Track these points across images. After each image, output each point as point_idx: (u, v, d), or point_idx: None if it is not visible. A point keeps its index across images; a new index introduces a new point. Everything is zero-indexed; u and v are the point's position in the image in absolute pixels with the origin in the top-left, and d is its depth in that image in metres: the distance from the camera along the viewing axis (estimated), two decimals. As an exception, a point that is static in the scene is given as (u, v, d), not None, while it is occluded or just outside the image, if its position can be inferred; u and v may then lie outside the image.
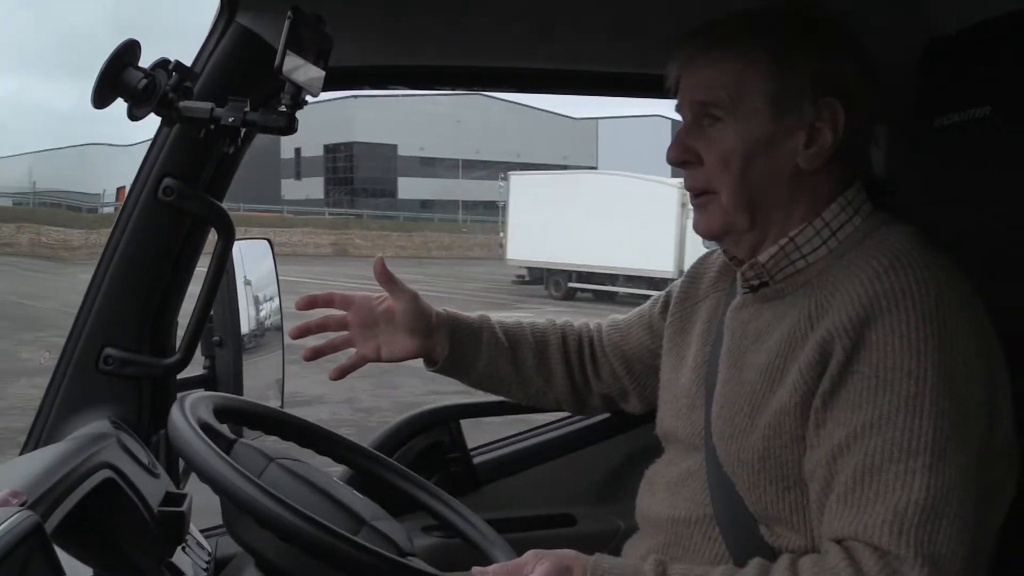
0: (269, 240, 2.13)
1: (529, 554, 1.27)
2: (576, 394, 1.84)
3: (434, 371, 1.77)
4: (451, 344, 1.73)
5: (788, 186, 1.34)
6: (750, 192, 1.34)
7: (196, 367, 1.78)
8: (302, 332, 1.70)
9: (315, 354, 1.70)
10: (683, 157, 1.38)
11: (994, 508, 1.23)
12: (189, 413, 1.27)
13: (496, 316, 1.83)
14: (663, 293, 1.75)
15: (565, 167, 41.17)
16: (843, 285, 1.25)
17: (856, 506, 1.17)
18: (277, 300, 2.09)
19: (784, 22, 1.33)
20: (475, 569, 1.28)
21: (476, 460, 2.17)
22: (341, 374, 1.70)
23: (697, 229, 1.41)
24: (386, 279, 1.70)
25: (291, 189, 54.32)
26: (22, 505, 1.02)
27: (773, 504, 1.30)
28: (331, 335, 1.72)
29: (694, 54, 1.37)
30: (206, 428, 1.32)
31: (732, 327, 1.43)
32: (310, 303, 1.69)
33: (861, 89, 1.32)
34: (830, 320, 1.23)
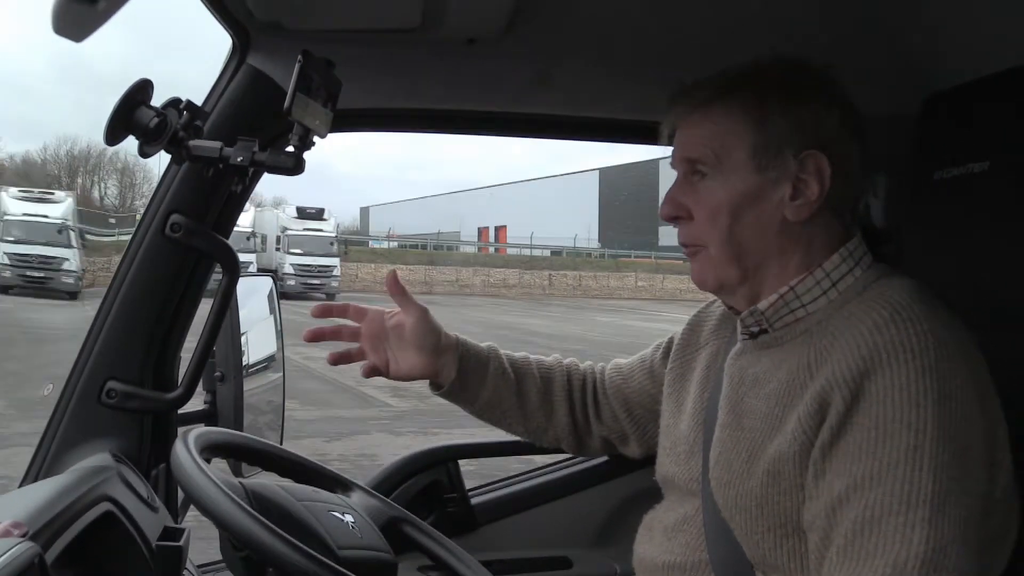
0: (273, 277, 2.15)
1: None
2: (576, 434, 1.85)
3: (439, 395, 1.79)
4: (458, 369, 1.75)
5: (778, 238, 1.36)
6: (738, 245, 1.36)
7: (197, 402, 1.78)
8: (315, 336, 1.73)
9: (336, 360, 1.76)
10: (674, 213, 1.41)
11: (993, 559, 1.23)
12: (193, 448, 1.27)
13: (504, 350, 1.85)
14: (665, 339, 1.75)
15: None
16: (843, 336, 1.26)
17: (856, 559, 1.16)
18: (278, 337, 2.11)
19: (760, 77, 1.35)
20: None
21: (474, 500, 2.17)
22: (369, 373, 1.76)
23: (694, 280, 1.44)
24: (397, 292, 1.74)
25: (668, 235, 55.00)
26: (23, 536, 1.02)
27: (771, 551, 1.30)
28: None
29: (682, 113, 1.40)
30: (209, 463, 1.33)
31: (731, 373, 1.44)
32: (325, 311, 1.74)
33: (845, 140, 1.34)
34: (829, 370, 1.24)
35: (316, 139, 1.40)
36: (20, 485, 1.48)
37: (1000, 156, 1.47)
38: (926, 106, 1.66)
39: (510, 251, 49.10)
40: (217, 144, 1.41)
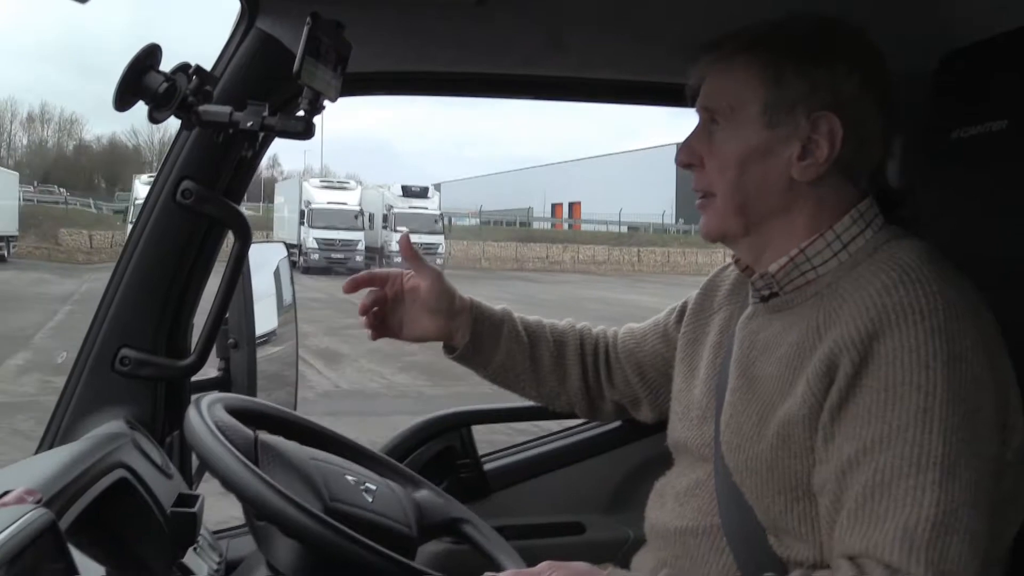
0: (285, 243, 2.14)
1: (544, 564, 1.27)
2: (589, 398, 1.85)
3: (453, 358, 1.79)
4: (472, 332, 1.75)
5: (783, 195, 1.36)
6: (743, 197, 1.37)
7: (211, 369, 1.79)
8: (364, 311, 1.74)
9: (375, 333, 1.76)
10: (688, 160, 1.42)
11: (1006, 520, 1.23)
12: (206, 414, 1.28)
13: (518, 313, 1.85)
14: (679, 303, 1.75)
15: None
16: (851, 298, 1.25)
17: (866, 522, 1.16)
18: (292, 304, 2.11)
19: (783, 35, 1.35)
20: (487, 575, 1.29)
21: (486, 467, 2.18)
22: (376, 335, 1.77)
23: (701, 231, 1.45)
24: (410, 255, 1.75)
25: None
26: (37, 503, 1.03)
27: (782, 514, 1.30)
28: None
29: (707, 64, 1.40)
30: (223, 429, 1.33)
31: (742, 337, 1.44)
32: (355, 285, 1.75)
33: (865, 103, 1.33)
34: (838, 332, 1.23)
35: (327, 103, 1.39)
36: (35, 452, 1.49)
37: (1019, 114, 1.45)
38: (944, 64, 1.64)
39: (588, 227, 48.88)
40: (227, 109, 1.40)
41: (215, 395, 1.39)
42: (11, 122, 74.75)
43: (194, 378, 1.69)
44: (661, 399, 1.76)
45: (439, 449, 2.13)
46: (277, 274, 2.06)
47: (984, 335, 1.21)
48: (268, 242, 2.01)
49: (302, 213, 36.57)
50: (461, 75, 1.92)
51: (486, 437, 2.24)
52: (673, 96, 1.83)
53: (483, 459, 2.18)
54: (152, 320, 1.58)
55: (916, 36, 1.63)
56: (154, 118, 1.35)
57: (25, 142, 75.53)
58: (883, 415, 1.17)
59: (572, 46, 1.77)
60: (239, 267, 1.61)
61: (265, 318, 1.95)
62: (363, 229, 36.51)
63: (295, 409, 1.87)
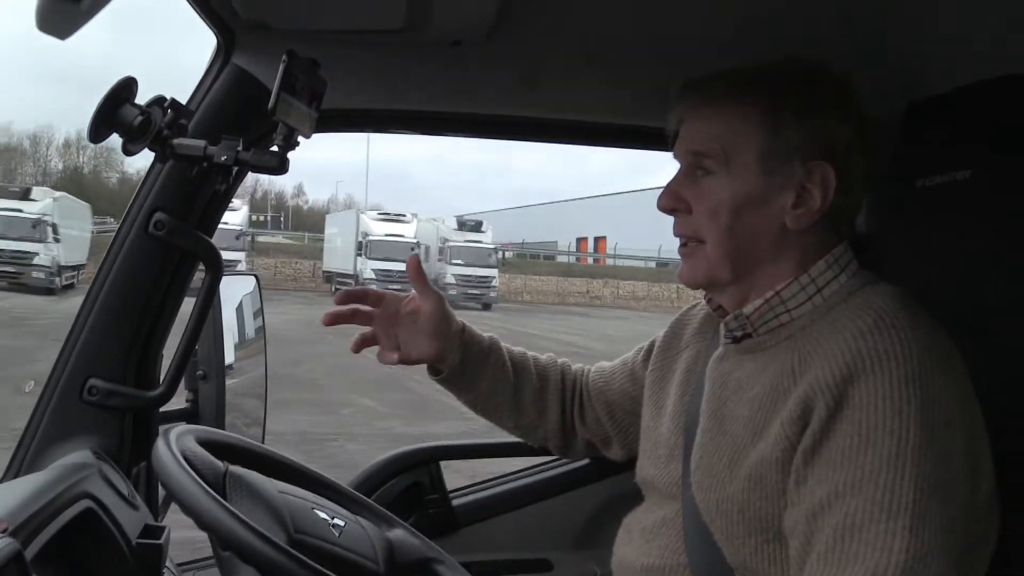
0: (256, 276, 2.14)
1: None
2: (564, 434, 1.87)
3: (438, 380, 1.80)
4: (461, 357, 1.77)
5: (774, 243, 1.36)
6: (736, 245, 1.36)
7: (179, 401, 1.78)
8: (332, 320, 1.76)
9: (358, 347, 1.78)
10: (673, 205, 1.41)
11: (974, 565, 1.22)
12: (174, 444, 1.27)
13: (505, 344, 1.86)
14: (647, 342, 1.76)
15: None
16: (827, 342, 1.26)
17: (836, 566, 1.16)
18: (262, 336, 2.11)
19: (781, 81, 1.35)
20: None
21: (455, 502, 2.17)
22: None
23: (682, 278, 1.43)
24: (417, 278, 1.75)
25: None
26: (3, 532, 1.02)
27: (751, 556, 1.30)
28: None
29: (692, 106, 1.39)
30: (191, 460, 1.33)
31: (713, 377, 1.44)
32: (347, 298, 1.76)
33: (854, 154, 1.34)
34: (813, 376, 1.24)
35: (301, 139, 1.40)
36: (0, 481, 1.48)
37: (982, 165, 1.48)
38: (909, 113, 1.67)
39: (617, 262, 48.97)
40: (201, 143, 1.41)
41: (184, 427, 1.39)
42: (48, 147, 75.96)
43: (162, 409, 1.69)
44: (630, 437, 1.77)
45: (407, 484, 2.13)
46: (240, 308, 2.06)
47: (957, 381, 1.22)
48: (239, 274, 2.01)
49: (360, 244, 37.09)
50: (435, 114, 1.94)
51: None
52: (645, 139, 1.87)
53: (451, 495, 2.18)
54: (121, 350, 1.57)
55: (884, 85, 1.67)
56: (128, 150, 1.36)
57: (60, 167, 76.42)
58: (856, 459, 1.17)
59: (546, 88, 1.79)
60: (209, 299, 1.61)
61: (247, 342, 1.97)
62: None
63: (263, 442, 1.87)
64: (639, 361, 1.75)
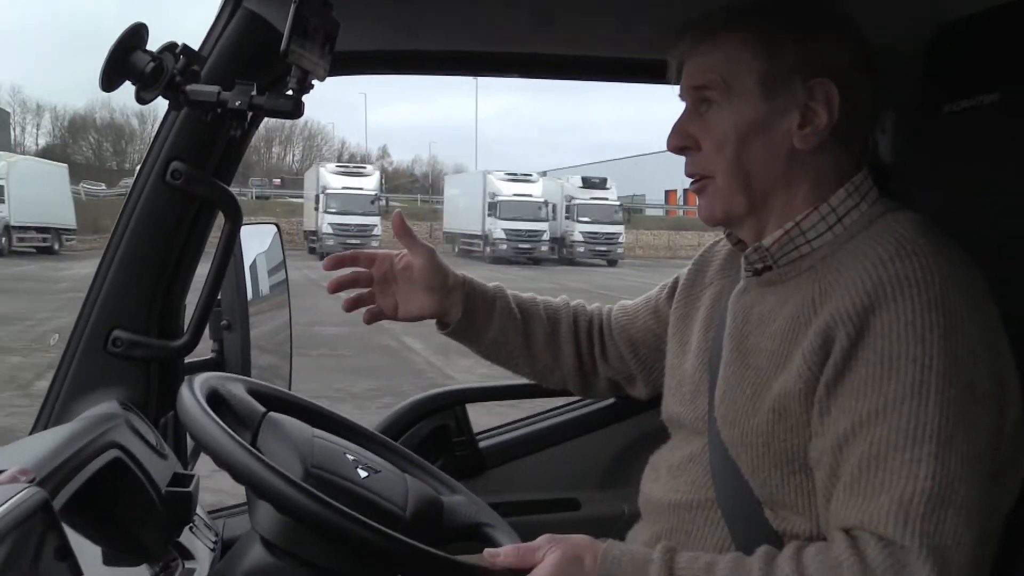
0: (277, 224, 2.14)
1: (543, 538, 1.28)
2: (583, 375, 1.86)
3: (446, 334, 1.80)
4: (464, 308, 1.76)
5: (786, 167, 1.35)
6: (746, 174, 1.35)
7: (205, 351, 1.79)
8: (337, 287, 1.74)
9: (352, 305, 1.77)
10: (682, 143, 1.40)
11: (1001, 491, 1.22)
12: (199, 392, 1.27)
13: (511, 290, 1.85)
14: (671, 280, 1.75)
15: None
16: (847, 271, 1.25)
17: (862, 495, 1.16)
18: (285, 285, 2.11)
19: (773, 9, 1.35)
20: (486, 551, 1.29)
21: (481, 444, 2.18)
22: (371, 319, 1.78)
23: (700, 216, 1.43)
24: (404, 234, 1.75)
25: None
26: (31, 482, 1.03)
27: (778, 488, 1.30)
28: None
29: (691, 42, 1.39)
30: (229, 402, 1.33)
31: (735, 311, 1.43)
32: (336, 263, 1.74)
33: (855, 72, 1.33)
34: (833, 306, 1.23)
35: (315, 82, 1.38)
36: (29, 434, 1.49)
37: (1010, 86, 1.45)
38: (934, 38, 1.63)
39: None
40: (215, 88, 1.39)
41: (208, 374, 1.39)
42: (153, 125, 76.24)
43: (188, 359, 1.69)
44: (655, 375, 1.76)
45: (434, 427, 2.14)
46: (277, 245, 2.06)
47: (980, 307, 1.21)
48: (259, 223, 2.00)
49: (490, 205, 37.79)
50: (450, 53, 1.92)
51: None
52: (664, 73, 1.83)
53: (478, 437, 2.19)
54: (144, 301, 1.58)
55: (906, 10, 1.63)
56: (141, 98, 1.34)
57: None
58: (879, 388, 1.17)
59: (561, 23, 1.76)
60: (230, 248, 1.61)
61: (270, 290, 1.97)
62: (548, 220, 37.78)
63: (289, 389, 1.88)
64: (663, 298, 1.75)
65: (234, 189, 1.63)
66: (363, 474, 1.38)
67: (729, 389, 1.37)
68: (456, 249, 40.76)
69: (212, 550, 1.53)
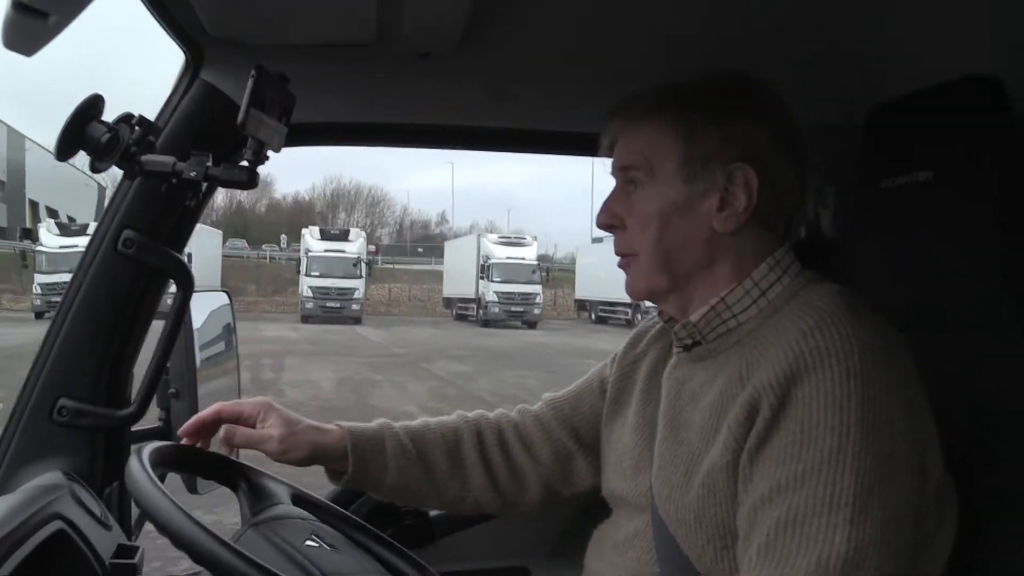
0: (228, 292, 2.13)
1: None
2: (500, 493, 1.72)
3: (340, 484, 1.66)
4: (354, 459, 1.61)
5: (706, 247, 1.38)
6: (667, 253, 1.38)
7: (152, 419, 1.77)
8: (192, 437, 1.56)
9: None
10: (608, 221, 1.44)
11: (929, 559, 1.24)
12: (147, 462, 1.26)
13: (400, 422, 1.70)
14: (610, 357, 1.72)
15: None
16: (771, 345, 1.27)
17: (777, 559, 1.16)
18: (234, 353, 2.10)
19: (691, 93, 1.38)
20: None
21: (432, 512, 2.17)
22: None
23: (627, 291, 1.46)
24: (245, 441, 1.55)
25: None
26: (-27, 556, 1.01)
27: (714, 563, 1.30)
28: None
29: (619, 126, 1.43)
30: (162, 478, 1.32)
31: (668, 387, 1.44)
32: (196, 430, 1.55)
33: (776, 155, 1.36)
34: (758, 379, 1.25)
35: (271, 153, 1.40)
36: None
37: (944, 166, 1.50)
38: (872, 116, 1.69)
39: None
40: (170, 159, 1.41)
41: (157, 444, 1.38)
42: None
43: (134, 428, 1.67)
44: (598, 457, 1.69)
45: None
46: (227, 314, 2.05)
47: (901, 375, 1.23)
48: (210, 290, 2.00)
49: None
50: (405, 126, 1.95)
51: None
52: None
53: None
54: (91, 369, 1.56)
55: (845, 89, 1.69)
56: (96, 168, 1.35)
57: (219, 202, 79.84)
58: (798, 455, 1.18)
59: (516, 99, 1.80)
60: (180, 316, 1.60)
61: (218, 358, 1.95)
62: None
63: (238, 456, 1.86)
64: (607, 377, 1.70)
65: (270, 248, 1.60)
66: (311, 544, 1.37)
67: (664, 465, 1.38)
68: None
69: None
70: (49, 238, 32.91)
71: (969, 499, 1.30)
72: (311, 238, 40.58)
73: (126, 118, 1.38)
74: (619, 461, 1.54)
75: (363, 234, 41.97)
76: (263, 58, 1.34)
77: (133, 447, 1.36)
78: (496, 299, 37.14)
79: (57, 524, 1.31)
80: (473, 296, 39.31)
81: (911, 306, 1.48)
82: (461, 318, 40.41)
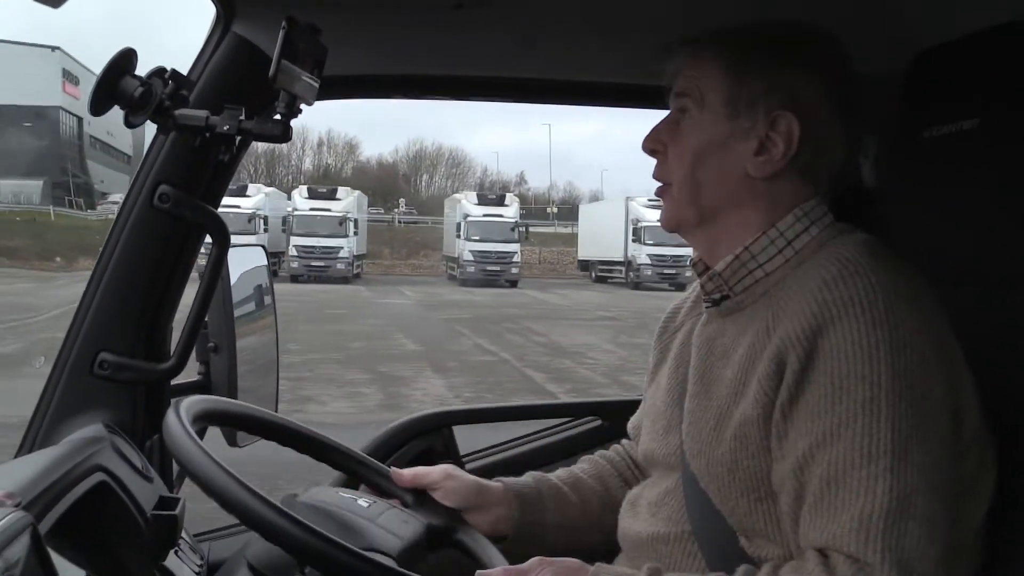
0: (264, 247, 2.14)
1: (535, 560, 1.28)
2: None
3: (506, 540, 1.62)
4: (519, 507, 1.61)
5: (737, 188, 1.38)
6: (697, 187, 1.39)
7: (192, 373, 1.79)
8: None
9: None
10: (653, 147, 1.45)
11: (969, 505, 1.24)
12: (185, 416, 1.28)
13: (551, 474, 1.73)
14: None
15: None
16: (796, 296, 1.27)
17: (824, 516, 1.18)
18: (272, 306, 2.11)
19: (750, 34, 1.38)
20: (478, 573, 1.29)
21: (468, 467, 2.18)
22: None
23: (660, 220, 1.48)
24: (413, 483, 1.59)
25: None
26: (16, 506, 1.03)
27: (748, 516, 1.31)
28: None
29: (684, 55, 1.43)
30: (201, 432, 1.33)
31: (699, 344, 1.45)
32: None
33: (824, 110, 1.35)
34: (783, 330, 1.25)
35: (304, 106, 1.40)
36: (15, 457, 1.49)
37: (990, 113, 1.46)
38: (916, 63, 1.65)
39: None
40: (203, 113, 1.41)
41: (194, 398, 1.39)
42: (302, 148, 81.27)
43: (174, 382, 1.69)
44: None
45: (421, 450, 2.14)
46: (264, 268, 2.06)
47: (929, 320, 1.23)
48: (247, 245, 2.01)
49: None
50: (437, 78, 1.93)
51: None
52: (643, 98, 1.85)
53: (464, 459, 2.19)
54: (131, 324, 1.58)
55: (886, 38, 1.65)
56: (130, 123, 1.36)
57: (307, 166, 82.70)
58: (832, 408, 1.19)
59: (545, 48, 1.78)
60: (217, 271, 1.61)
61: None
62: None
63: (276, 410, 1.87)
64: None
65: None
66: (364, 504, 1.38)
67: (694, 421, 1.39)
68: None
69: (198, 574, 1.52)
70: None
71: (1011, 458, 1.29)
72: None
73: (159, 72, 1.38)
74: (653, 424, 1.55)
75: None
76: (294, 10, 1.33)
77: (172, 400, 1.37)
78: (648, 261, 37.13)
79: (99, 476, 1.34)
80: (621, 259, 39.35)
81: (953, 259, 1.46)
82: (601, 280, 40.77)
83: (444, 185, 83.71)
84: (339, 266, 37.33)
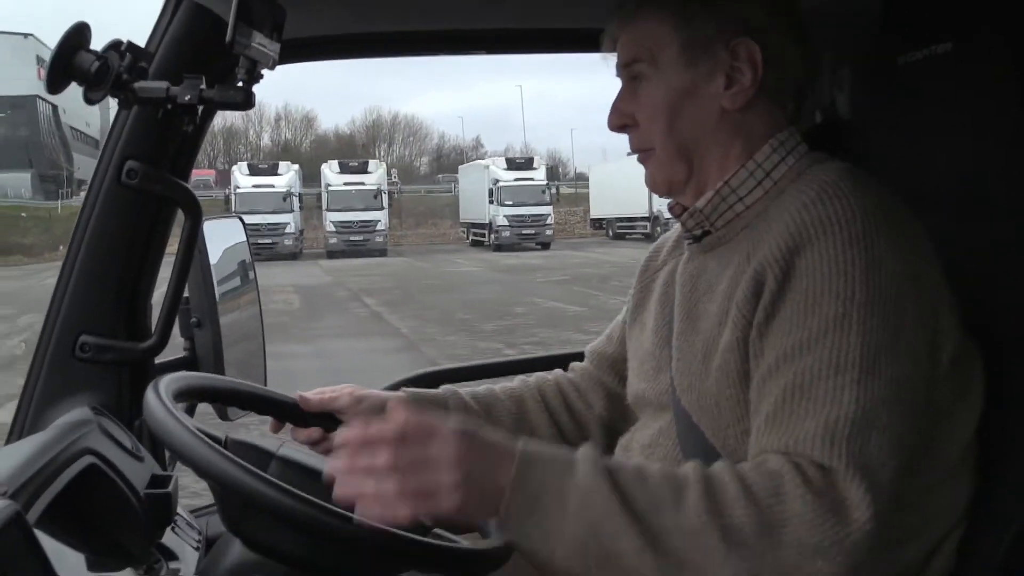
0: (240, 218, 2.12)
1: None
2: (566, 442, 1.71)
3: None
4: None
5: (717, 128, 1.37)
6: (681, 141, 1.38)
7: (178, 350, 1.77)
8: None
9: None
10: (620, 121, 1.43)
11: (944, 436, 1.24)
12: (164, 394, 1.26)
13: (466, 388, 1.73)
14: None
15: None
16: (775, 221, 1.27)
17: (786, 423, 1.16)
18: (253, 279, 2.09)
19: None
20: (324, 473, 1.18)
21: None
22: None
23: (647, 185, 1.45)
24: (316, 408, 1.59)
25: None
26: (2, 495, 1.02)
27: (740, 446, 1.30)
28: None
29: (618, 26, 1.42)
30: (191, 409, 1.32)
31: (683, 281, 1.44)
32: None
33: (776, 29, 1.35)
34: (762, 253, 1.25)
35: (265, 71, 1.37)
36: (3, 446, 1.48)
37: (962, 36, 1.45)
38: None
39: None
40: (163, 84, 1.38)
41: (174, 375, 1.37)
42: (259, 124, 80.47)
43: (160, 359, 1.68)
44: None
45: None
46: (242, 239, 2.03)
47: (906, 242, 1.22)
48: (223, 217, 1.98)
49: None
50: (400, 34, 1.90)
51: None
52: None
53: None
54: (108, 304, 1.56)
55: None
56: (89, 99, 1.33)
57: (265, 142, 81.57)
58: (803, 323, 1.18)
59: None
60: (192, 244, 1.59)
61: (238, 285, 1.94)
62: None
63: (265, 383, 1.86)
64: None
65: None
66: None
67: (683, 357, 1.38)
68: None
69: (196, 549, 1.53)
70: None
71: (999, 385, 1.29)
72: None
73: (115, 45, 1.35)
74: (641, 365, 1.55)
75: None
76: None
77: (152, 380, 1.36)
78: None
79: (88, 459, 1.33)
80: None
81: (933, 182, 1.45)
82: (620, 236, 40.94)
83: (403, 153, 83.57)
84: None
